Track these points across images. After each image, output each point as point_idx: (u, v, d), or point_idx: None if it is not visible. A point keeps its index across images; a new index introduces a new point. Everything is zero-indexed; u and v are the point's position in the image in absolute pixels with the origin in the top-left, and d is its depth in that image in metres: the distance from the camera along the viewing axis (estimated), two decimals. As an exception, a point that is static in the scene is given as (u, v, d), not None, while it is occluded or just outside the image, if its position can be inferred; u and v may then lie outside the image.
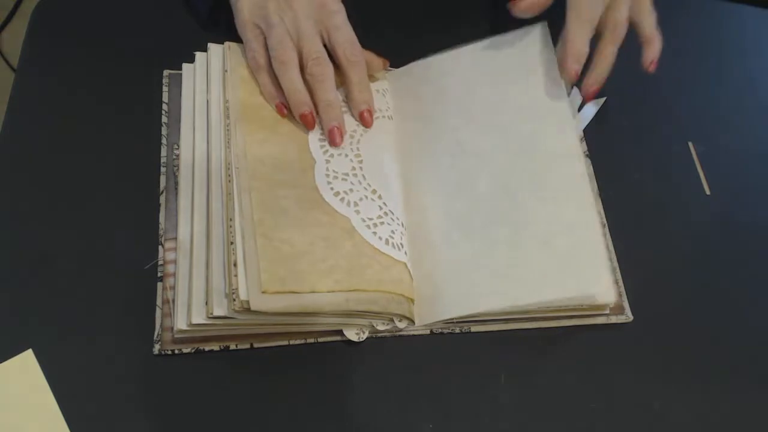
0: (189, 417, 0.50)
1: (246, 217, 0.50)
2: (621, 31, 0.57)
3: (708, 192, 0.60)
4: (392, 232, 0.54)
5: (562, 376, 0.52)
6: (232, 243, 0.49)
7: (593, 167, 0.60)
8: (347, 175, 0.55)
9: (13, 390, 0.50)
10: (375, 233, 0.53)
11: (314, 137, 0.56)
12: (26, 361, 0.50)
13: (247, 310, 0.47)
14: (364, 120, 0.57)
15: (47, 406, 0.49)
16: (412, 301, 0.53)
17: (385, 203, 0.55)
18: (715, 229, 0.59)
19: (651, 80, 0.66)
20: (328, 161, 0.55)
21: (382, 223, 0.54)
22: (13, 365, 0.50)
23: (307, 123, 0.55)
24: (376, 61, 0.60)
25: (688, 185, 0.61)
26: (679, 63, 0.67)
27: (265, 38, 0.56)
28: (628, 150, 0.62)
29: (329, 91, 0.55)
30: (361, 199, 0.54)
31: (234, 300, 0.47)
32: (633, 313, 0.55)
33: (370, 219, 0.54)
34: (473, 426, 0.50)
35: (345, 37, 0.56)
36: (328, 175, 0.55)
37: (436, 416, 0.50)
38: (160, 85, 0.61)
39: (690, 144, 0.62)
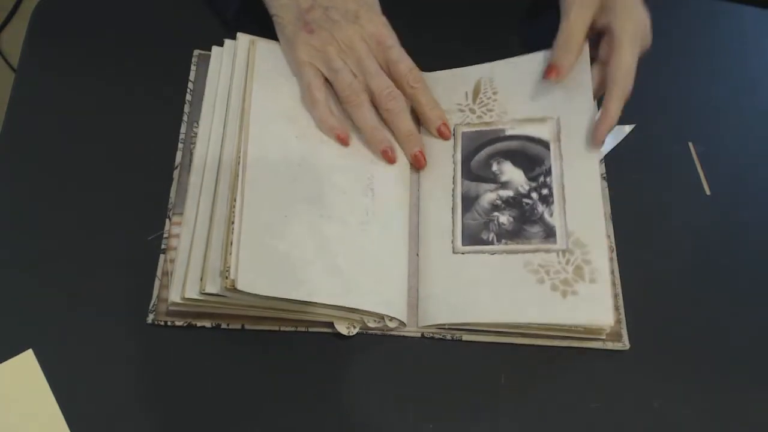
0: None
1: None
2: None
3: (708, 192, 0.60)
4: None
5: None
6: (232, 223, 0.50)
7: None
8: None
9: (13, 390, 0.50)
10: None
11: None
12: (26, 361, 0.50)
13: (236, 289, 0.48)
14: (442, 134, 0.60)
15: (47, 406, 0.49)
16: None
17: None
18: (715, 229, 0.59)
19: (651, 80, 0.66)
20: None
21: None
22: (14, 365, 0.50)
23: (388, 158, 0.58)
24: None
25: (689, 185, 0.61)
26: (679, 63, 0.67)
27: (324, 77, 0.58)
28: (628, 150, 0.62)
29: (407, 122, 0.58)
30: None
31: (227, 278, 0.48)
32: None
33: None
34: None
35: (405, 67, 0.58)
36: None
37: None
38: (162, 83, 0.61)
39: (690, 144, 0.62)
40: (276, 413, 0.51)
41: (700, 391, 0.53)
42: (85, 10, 0.66)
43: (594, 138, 0.56)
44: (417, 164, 0.59)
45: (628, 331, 0.54)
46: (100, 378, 0.51)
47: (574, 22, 0.57)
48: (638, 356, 0.53)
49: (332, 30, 0.57)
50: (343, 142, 0.57)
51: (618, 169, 0.61)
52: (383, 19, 0.60)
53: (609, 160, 0.61)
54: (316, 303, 0.50)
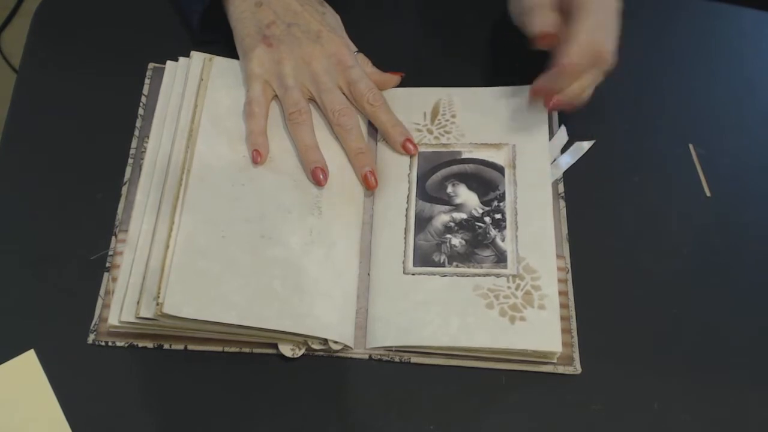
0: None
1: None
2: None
3: (708, 194, 0.61)
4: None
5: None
6: (168, 247, 0.50)
7: (594, 169, 0.60)
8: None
9: (15, 390, 0.50)
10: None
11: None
12: (28, 361, 0.51)
13: (167, 315, 0.47)
14: (407, 150, 0.58)
15: (49, 406, 0.49)
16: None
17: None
18: (715, 230, 0.59)
19: (651, 82, 0.66)
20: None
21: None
22: (15, 365, 0.50)
23: (317, 179, 0.56)
24: (391, 78, 0.62)
25: (689, 187, 0.61)
26: (679, 65, 0.67)
27: (274, 94, 0.58)
28: (627, 152, 0.62)
29: (358, 140, 0.58)
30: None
31: (158, 304, 0.48)
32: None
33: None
34: None
35: (365, 86, 0.58)
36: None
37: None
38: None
39: (690, 146, 0.63)
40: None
41: (700, 391, 0.53)
42: (86, 10, 0.66)
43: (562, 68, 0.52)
44: (367, 185, 0.57)
45: (630, 330, 0.54)
46: (102, 379, 0.51)
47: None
48: (639, 357, 0.53)
49: (292, 46, 0.57)
50: (255, 159, 0.55)
51: (617, 170, 0.61)
52: (345, 41, 0.60)
53: (607, 161, 0.61)
54: (247, 326, 0.49)
